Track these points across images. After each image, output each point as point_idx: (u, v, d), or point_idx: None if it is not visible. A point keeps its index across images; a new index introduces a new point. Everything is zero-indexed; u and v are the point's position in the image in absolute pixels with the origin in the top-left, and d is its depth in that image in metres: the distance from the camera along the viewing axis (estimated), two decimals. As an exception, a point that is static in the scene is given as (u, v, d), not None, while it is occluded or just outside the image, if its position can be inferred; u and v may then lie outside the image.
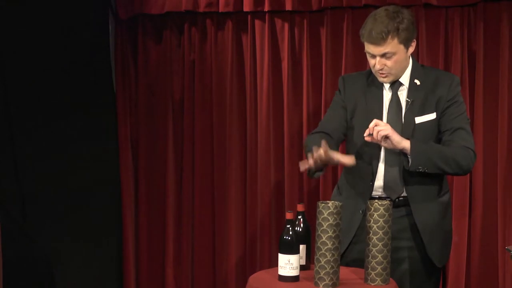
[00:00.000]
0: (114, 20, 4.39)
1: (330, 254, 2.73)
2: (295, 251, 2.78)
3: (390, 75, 3.04)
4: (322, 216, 2.73)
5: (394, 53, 2.98)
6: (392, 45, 2.97)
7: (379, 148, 3.06)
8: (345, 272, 2.91)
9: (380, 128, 2.90)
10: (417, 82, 3.09)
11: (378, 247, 2.76)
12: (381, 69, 3.02)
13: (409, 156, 2.96)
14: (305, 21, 4.06)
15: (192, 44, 4.28)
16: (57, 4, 4.04)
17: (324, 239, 2.73)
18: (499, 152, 3.85)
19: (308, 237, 2.93)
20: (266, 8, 4.06)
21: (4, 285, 3.71)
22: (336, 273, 2.75)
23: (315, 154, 2.82)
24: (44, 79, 4.04)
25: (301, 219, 2.91)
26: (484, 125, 3.87)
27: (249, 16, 4.14)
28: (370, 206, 2.77)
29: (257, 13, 4.12)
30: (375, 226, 2.76)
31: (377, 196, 3.08)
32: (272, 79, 4.14)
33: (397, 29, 2.96)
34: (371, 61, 3.04)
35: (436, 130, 3.07)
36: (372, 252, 2.77)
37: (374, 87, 3.13)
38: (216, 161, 4.29)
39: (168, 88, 4.35)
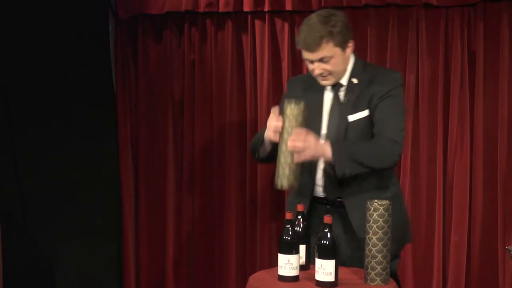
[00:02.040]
0: (114, 20, 4.39)
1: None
2: (294, 251, 2.78)
3: (330, 78, 3.05)
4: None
5: (331, 57, 2.99)
6: (328, 49, 2.97)
7: None
8: (345, 272, 2.91)
9: (301, 151, 2.86)
10: (355, 81, 3.08)
11: (378, 247, 2.75)
12: (321, 73, 3.03)
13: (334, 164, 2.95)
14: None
15: (192, 44, 4.29)
16: (57, 4, 4.04)
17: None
18: (499, 152, 3.85)
19: (308, 237, 2.93)
20: (266, 8, 4.06)
21: (4, 285, 3.71)
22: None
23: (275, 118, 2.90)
24: (44, 79, 4.04)
25: (301, 219, 2.91)
26: (484, 125, 3.87)
27: (249, 16, 4.15)
28: (370, 206, 2.77)
29: (257, 13, 4.12)
30: (375, 226, 2.76)
31: (318, 196, 3.10)
32: (272, 79, 4.14)
33: (331, 33, 2.96)
34: (310, 67, 3.05)
35: (370, 127, 3.04)
36: (372, 252, 2.77)
37: (316, 90, 3.13)
38: (216, 160, 4.29)
39: (168, 88, 4.36)
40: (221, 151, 4.28)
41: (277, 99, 4.13)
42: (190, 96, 4.32)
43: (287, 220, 2.79)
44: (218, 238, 4.31)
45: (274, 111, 2.95)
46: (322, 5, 3.95)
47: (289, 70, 4.10)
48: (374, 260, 2.76)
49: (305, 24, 3.03)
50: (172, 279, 4.41)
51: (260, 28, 4.14)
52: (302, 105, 2.84)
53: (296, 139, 2.86)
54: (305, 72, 4.05)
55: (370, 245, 2.77)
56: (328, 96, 3.12)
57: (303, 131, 2.87)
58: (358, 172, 2.95)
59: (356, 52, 3.96)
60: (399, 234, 3.11)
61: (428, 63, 3.92)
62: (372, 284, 2.77)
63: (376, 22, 3.97)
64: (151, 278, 4.46)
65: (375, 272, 2.76)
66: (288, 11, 4.06)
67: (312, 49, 2.98)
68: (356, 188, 3.04)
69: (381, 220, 2.75)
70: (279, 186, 2.86)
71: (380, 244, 2.76)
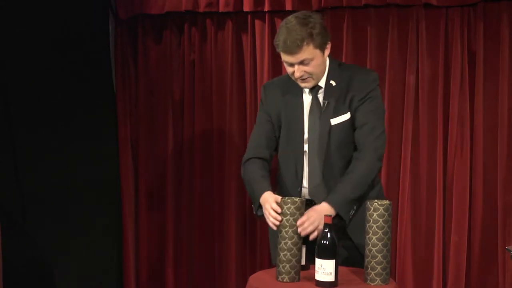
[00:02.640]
0: (114, 20, 4.39)
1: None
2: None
3: (310, 80, 3.03)
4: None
5: (311, 59, 2.97)
6: (308, 51, 2.96)
7: (302, 155, 3.07)
8: (345, 272, 2.91)
9: (310, 232, 2.86)
10: (333, 83, 3.07)
11: (378, 247, 2.75)
12: (301, 76, 3.01)
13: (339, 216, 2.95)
14: (305, 21, 4.05)
15: (192, 44, 4.28)
16: (57, 4, 4.04)
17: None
18: (499, 152, 3.85)
19: (308, 237, 2.93)
20: (266, 8, 4.06)
21: (4, 285, 3.70)
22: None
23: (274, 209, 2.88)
24: (44, 79, 4.04)
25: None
26: (484, 125, 3.88)
27: (249, 16, 4.15)
28: (370, 206, 2.77)
29: (257, 13, 4.12)
30: (374, 226, 2.75)
31: (306, 199, 3.06)
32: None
33: (311, 35, 2.95)
34: (290, 70, 3.03)
35: (352, 130, 3.05)
36: (372, 252, 2.76)
37: (294, 93, 3.12)
38: (216, 161, 4.29)
39: (168, 88, 4.36)
40: (221, 151, 4.28)
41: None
42: (190, 96, 4.32)
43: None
44: (218, 238, 4.31)
45: (275, 205, 2.90)
46: (322, 5, 3.95)
47: (289, 70, 4.10)
48: (374, 260, 2.76)
49: (283, 26, 3.00)
50: (172, 279, 4.41)
51: (260, 28, 4.14)
52: (298, 202, 2.82)
53: (304, 227, 2.84)
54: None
55: (370, 245, 2.77)
56: (306, 99, 3.10)
57: (303, 218, 2.84)
58: (360, 204, 2.99)
59: (355, 52, 3.99)
60: None
61: (428, 63, 3.92)
62: (372, 284, 2.77)
63: (376, 22, 3.97)
64: (151, 278, 4.46)
65: (375, 272, 2.76)
66: (288, 11, 4.05)
67: (293, 51, 2.95)
68: None
69: (381, 220, 2.75)
70: (280, 280, 2.83)
71: (380, 244, 2.75)
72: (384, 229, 2.76)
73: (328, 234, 2.73)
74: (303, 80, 3.02)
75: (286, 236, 2.80)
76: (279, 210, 2.86)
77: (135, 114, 4.43)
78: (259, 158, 3.15)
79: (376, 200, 2.78)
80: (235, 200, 4.26)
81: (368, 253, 2.77)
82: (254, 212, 3.08)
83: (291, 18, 3.01)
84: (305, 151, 3.08)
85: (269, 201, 2.91)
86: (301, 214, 2.81)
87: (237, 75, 4.23)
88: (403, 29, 3.95)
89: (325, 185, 3.05)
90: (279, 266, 2.82)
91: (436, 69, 3.91)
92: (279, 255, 2.81)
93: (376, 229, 2.75)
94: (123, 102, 4.41)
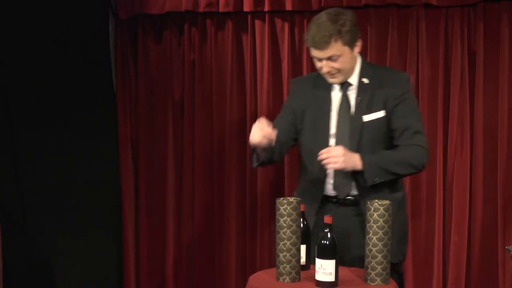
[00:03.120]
0: (114, 20, 4.39)
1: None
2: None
3: (339, 76, 3.07)
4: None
5: (339, 55, 3.01)
6: (336, 47, 2.99)
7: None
8: (345, 272, 2.91)
9: (333, 161, 2.92)
10: (365, 80, 3.10)
11: (378, 247, 2.75)
12: (329, 71, 3.05)
13: (363, 173, 2.98)
14: (305, 21, 4.06)
15: (192, 44, 4.28)
16: (57, 4, 4.04)
17: None
18: (499, 152, 3.85)
19: (308, 237, 2.93)
20: (266, 8, 4.06)
21: (4, 285, 3.71)
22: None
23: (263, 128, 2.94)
24: (44, 79, 4.04)
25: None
26: (484, 125, 3.88)
27: (249, 16, 4.15)
28: (370, 206, 2.77)
29: (257, 13, 4.12)
30: (375, 226, 2.75)
31: (328, 195, 3.11)
32: (272, 79, 4.14)
33: (340, 32, 2.98)
34: (318, 64, 3.07)
35: (385, 128, 3.07)
36: (372, 252, 2.76)
37: (323, 89, 3.15)
38: (216, 160, 4.29)
39: (168, 88, 4.35)
40: (221, 151, 4.28)
41: (277, 99, 4.14)
42: (190, 96, 4.32)
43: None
44: (218, 238, 4.31)
45: (262, 120, 2.98)
46: (322, 5, 3.95)
47: (289, 70, 4.10)
48: (375, 260, 2.76)
49: (314, 22, 3.04)
50: (172, 279, 4.41)
51: (260, 28, 4.14)
52: (294, 202, 2.82)
53: (325, 152, 2.90)
54: (304, 72, 4.06)
55: (371, 245, 2.77)
56: (336, 96, 3.13)
57: (331, 147, 2.91)
58: (387, 179, 3.00)
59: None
60: (403, 234, 3.15)
61: (428, 63, 3.92)
62: (372, 284, 2.77)
63: (376, 22, 3.97)
64: (151, 278, 4.46)
65: (375, 272, 2.76)
66: (288, 11, 4.06)
67: (320, 47, 2.99)
68: (369, 189, 3.05)
69: (381, 220, 2.75)
70: (281, 281, 2.84)
71: (380, 244, 2.75)
72: (384, 229, 2.76)
73: (328, 234, 2.73)
74: (331, 75, 3.05)
75: (285, 237, 2.80)
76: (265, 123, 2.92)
77: (135, 114, 4.43)
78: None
79: (376, 200, 2.78)
80: (235, 200, 4.26)
81: (368, 253, 2.77)
82: (251, 165, 3.13)
83: (322, 14, 3.05)
84: (331, 146, 3.08)
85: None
86: (298, 215, 2.81)
87: (237, 75, 4.23)
88: (403, 29, 3.95)
89: (352, 179, 3.05)
90: (279, 267, 2.82)
91: (436, 69, 3.91)
92: (279, 256, 2.81)
93: (377, 229, 2.75)
94: (123, 102, 4.40)
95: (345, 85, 3.11)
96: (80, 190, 4.17)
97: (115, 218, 4.41)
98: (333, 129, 3.10)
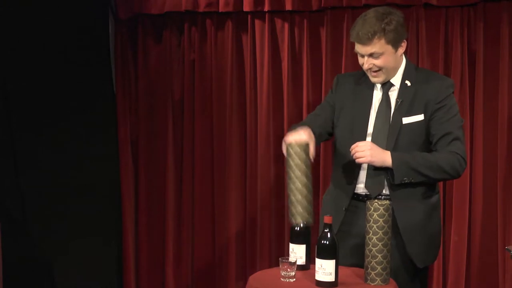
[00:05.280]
0: (114, 20, 4.39)
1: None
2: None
3: (381, 75, 3.05)
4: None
5: (381, 53, 3.00)
6: (379, 45, 2.98)
7: None
8: (345, 272, 2.91)
9: (359, 155, 2.93)
10: (408, 83, 3.08)
11: (378, 247, 2.75)
12: (370, 68, 3.04)
13: (392, 171, 2.97)
14: (305, 21, 4.06)
15: (192, 44, 4.28)
16: (57, 4, 4.04)
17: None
18: (499, 152, 3.85)
19: (308, 237, 2.93)
20: (266, 8, 4.06)
21: (4, 285, 3.71)
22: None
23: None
24: (44, 79, 4.04)
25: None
26: (484, 125, 3.87)
27: (249, 16, 4.15)
28: (370, 206, 2.77)
29: (257, 13, 4.12)
30: (375, 226, 2.75)
31: (359, 193, 3.10)
32: (272, 79, 4.14)
33: (384, 30, 2.97)
34: (361, 60, 3.07)
35: (424, 132, 3.05)
36: (372, 252, 2.76)
37: (365, 87, 3.15)
38: (216, 161, 4.29)
39: (168, 88, 4.35)
40: (221, 151, 4.28)
41: (277, 99, 4.14)
42: (190, 96, 4.32)
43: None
44: (218, 238, 4.31)
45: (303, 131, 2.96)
46: (322, 5, 3.95)
47: (289, 70, 4.10)
48: (374, 260, 2.76)
49: (361, 18, 3.03)
50: (172, 279, 4.41)
51: (260, 28, 4.14)
52: (304, 143, 2.82)
53: (354, 147, 2.91)
54: (304, 72, 4.06)
55: (371, 245, 2.77)
56: (377, 95, 3.12)
57: (361, 141, 2.91)
58: (416, 180, 2.98)
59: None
60: (437, 241, 3.17)
61: (428, 63, 3.92)
62: (372, 284, 2.77)
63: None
64: (151, 278, 4.46)
65: (375, 272, 2.76)
66: (288, 11, 4.06)
67: (363, 43, 2.99)
68: (403, 188, 3.03)
69: (381, 220, 2.75)
70: (294, 224, 2.84)
71: (380, 244, 2.76)
72: (384, 229, 2.76)
73: (328, 234, 2.73)
74: (373, 73, 3.05)
75: (293, 175, 2.79)
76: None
77: (135, 114, 4.43)
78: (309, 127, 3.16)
79: (376, 200, 2.78)
80: (235, 200, 4.26)
81: (368, 253, 2.77)
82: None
83: (371, 10, 3.05)
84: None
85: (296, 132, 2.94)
86: (307, 155, 2.82)
87: (237, 75, 4.23)
88: (403, 29, 3.95)
89: (384, 179, 3.03)
90: (291, 209, 2.80)
91: (436, 69, 3.90)
92: (289, 196, 2.80)
93: (377, 229, 2.76)
94: (123, 102, 4.40)
95: (387, 85, 3.09)
96: (80, 190, 4.17)
97: (115, 218, 4.41)
98: (370, 129, 3.08)
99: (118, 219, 4.42)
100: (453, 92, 3.08)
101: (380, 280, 2.76)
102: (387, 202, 2.78)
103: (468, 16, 3.86)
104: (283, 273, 2.81)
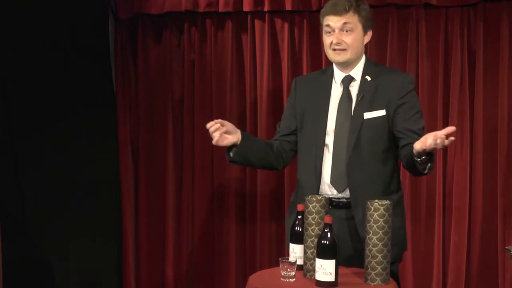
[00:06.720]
0: (114, 20, 4.39)
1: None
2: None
3: (345, 54, 3.09)
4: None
5: (352, 28, 3.07)
6: (353, 19, 3.07)
7: (324, 145, 3.10)
8: (345, 272, 2.91)
9: (441, 142, 2.78)
10: (368, 78, 3.12)
11: (378, 247, 2.75)
12: (338, 44, 3.08)
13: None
14: (305, 21, 4.06)
15: (192, 44, 4.28)
16: (57, 4, 4.04)
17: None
18: (499, 152, 3.85)
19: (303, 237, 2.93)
20: (266, 8, 4.06)
21: (4, 285, 3.71)
22: None
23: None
24: (44, 79, 4.04)
25: (301, 219, 2.91)
26: (484, 125, 3.88)
27: (249, 16, 4.15)
28: (370, 206, 2.77)
29: (257, 13, 4.12)
30: (375, 226, 2.75)
31: (323, 193, 3.11)
32: (272, 79, 4.14)
33: (359, 7, 3.08)
34: (328, 39, 3.11)
35: (386, 128, 3.07)
36: (372, 252, 2.76)
37: (324, 85, 3.18)
38: (216, 161, 4.29)
39: (168, 88, 4.35)
40: (221, 151, 4.27)
41: (277, 99, 4.14)
42: (190, 96, 4.32)
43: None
44: (218, 238, 4.31)
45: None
46: (322, 5, 3.94)
47: (289, 70, 4.10)
48: (374, 260, 2.76)
49: None
50: (172, 279, 4.41)
51: (260, 28, 4.14)
52: (323, 200, 2.86)
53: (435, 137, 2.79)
54: (304, 72, 4.06)
55: (371, 245, 2.77)
56: (337, 91, 3.14)
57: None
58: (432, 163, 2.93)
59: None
60: (401, 237, 3.13)
61: (428, 63, 3.92)
62: (372, 284, 2.77)
63: (376, 22, 3.96)
64: (151, 278, 4.46)
65: (375, 272, 2.76)
66: (288, 11, 4.06)
67: (339, 13, 3.06)
68: (363, 185, 3.04)
69: (381, 220, 2.75)
70: (308, 278, 2.86)
71: (380, 244, 2.76)
72: (384, 229, 2.76)
73: (328, 234, 2.73)
74: (338, 52, 3.09)
75: (313, 234, 2.82)
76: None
77: (135, 114, 4.43)
78: (282, 140, 3.30)
79: (376, 200, 2.78)
80: (235, 200, 4.26)
81: (368, 253, 2.77)
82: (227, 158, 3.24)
83: None
84: (327, 144, 3.09)
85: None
86: (326, 212, 2.84)
87: (237, 75, 4.23)
88: (403, 29, 3.95)
89: (348, 176, 3.05)
90: (306, 263, 2.84)
91: (436, 69, 3.91)
92: (306, 253, 2.84)
93: (377, 229, 2.76)
94: (123, 102, 4.40)
95: (347, 80, 3.12)
96: (80, 190, 4.17)
97: (115, 218, 4.41)
98: (332, 124, 3.10)
99: (118, 219, 4.42)
100: (413, 89, 3.13)
101: (380, 280, 2.76)
102: (387, 202, 2.78)
103: (468, 16, 3.86)
104: (283, 273, 2.81)
